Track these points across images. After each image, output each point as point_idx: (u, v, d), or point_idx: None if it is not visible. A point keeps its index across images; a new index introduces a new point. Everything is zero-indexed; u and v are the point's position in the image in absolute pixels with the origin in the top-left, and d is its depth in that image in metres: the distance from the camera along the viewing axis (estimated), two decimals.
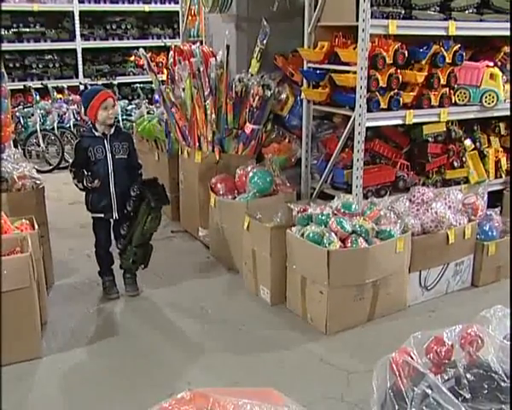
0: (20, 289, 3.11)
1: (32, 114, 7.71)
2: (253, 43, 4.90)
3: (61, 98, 8.29)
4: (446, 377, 2.04)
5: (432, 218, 3.85)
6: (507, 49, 4.81)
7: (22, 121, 7.81)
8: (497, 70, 4.62)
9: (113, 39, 9.67)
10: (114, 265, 4.07)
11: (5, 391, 2.86)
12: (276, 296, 3.86)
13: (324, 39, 4.33)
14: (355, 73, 3.96)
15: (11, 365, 3.12)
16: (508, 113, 4.74)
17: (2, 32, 8.60)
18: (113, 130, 3.84)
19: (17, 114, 7.80)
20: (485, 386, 2.00)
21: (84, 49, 9.39)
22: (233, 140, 4.80)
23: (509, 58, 4.82)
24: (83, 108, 5.37)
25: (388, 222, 3.71)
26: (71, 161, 4.06)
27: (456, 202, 4.08)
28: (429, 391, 1.92)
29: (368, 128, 4.09)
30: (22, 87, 8.50)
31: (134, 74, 9.88)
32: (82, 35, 9.31)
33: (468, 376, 2.02)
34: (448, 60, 4.31)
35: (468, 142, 4.89)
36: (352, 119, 4.06)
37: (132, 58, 9.92)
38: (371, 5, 3.85)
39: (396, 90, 4.13)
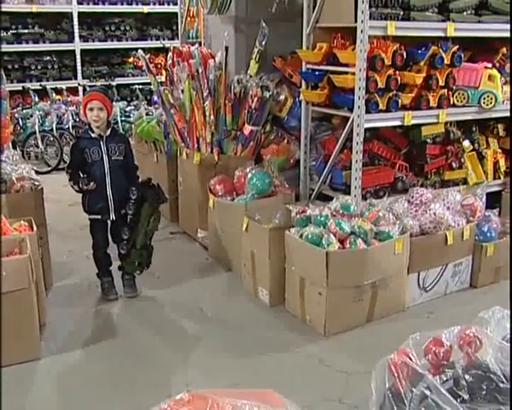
0: (19, 290, 3.10)
1: (31, 116, 7.71)
2: (252, 45, 4.90)
3: (59, 99, 8.29)
4: (445, 378, 2.04)
5: (430, 219, 3.86)
6: (505, 50, 4.82)
7: (21, 122, 7.81)
8: (495, 71, 4.62)
9: (112, 41, 9.68)
10: (113, 266, 4.07)
11: (4, 392, 2.84)
12: (275, 298, 3.86)
13: (323, 40, 4.33)
14: (353, 74, 3.97)
15: (10, 366, 3.11)
16: (506, 114, 4.75)
17: (1, 33, 8.59)
18: (109, 131, 3.84)
19: (16, 115, 7.81)
20: (484, 387, 2.00)
21: (82, 51, 9.39)
22: (232, 141, 4.81)
23: (508, 59, 4.82)
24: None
25: (387, 223, 3.71)
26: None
27: (455, 203, 4.08)
28: (428, 392, 1.92)
29: (366, 129, 4.10)
30: (21, 88, 8.51)
31: (133, 76, 9.89)
32: (81, 36, 9.32)
33: (467, 377, 2.02)
34: (446, 61, 4.31)
35: (466, 143, 4.89)
36: (350, 120, 4.06)
37: (131, 59, 9.93)
38: (370, 6, 3.85)
39: (394, 92, 4.14)
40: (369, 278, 3.53)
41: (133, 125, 6.39)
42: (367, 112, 4.01)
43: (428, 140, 4.67)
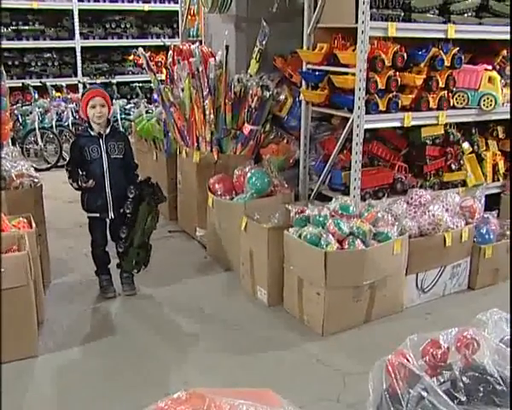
0: (17, 287, 3.10)
1: (31, 112, 7.70)
2: (253, 44, 4.90)
3: (59, 97, 8.29)
4: (442, 380, 2.04)
5: (429, 220, 3.86)
6: (505, 52, 4.82)
7: (21, 119, 7.80)
8: (495, 74, 4.63)
9: (113, 38, 9.66)
10: (111, 264, 4.07)
11: (2, 390, 2.86)
12: (273, 297, 3.86)
13: (323, 41, 4.34)
14: (354, 74, 3.97)
15: (7, 363, 3.11)
16: (506, 116, 4.75)
17: (2, 30, 8.58)
18: (108, 129, 3.84)
19: (15, 111, 7.79)
20: (481, 389, 2.01)
21: (83, 48, 9.37)
22: (231, 140, 4.81)
23: (508, 62, 4.83)
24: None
25: (386, 224, 3.71)
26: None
27: (454, 205, 4.09)
28: (425, 394, 1.92)
29: (366, 130, 4.10)
30: (21, 85, 8.48)
31: (133, 73, 9.88)
32: (81, 33, 9.30)
33: (464, 379, 2.02)
34: (447, 63, 4.32)
35: (465, 145, 4.89)
36: (350, 120, 4.06)
37: (131, 57, 9.92)
38: (371, 7, 3.86)
39: (395, 93, 4.14)
40: (368, 278, 3.54)
41: (133, 123, 6.39)
42: (367, 113, 4.02)
43: (428, 142, 4.67)
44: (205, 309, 3.86)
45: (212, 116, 4.72)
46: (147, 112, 6.65)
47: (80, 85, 8.81)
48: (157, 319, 3.75)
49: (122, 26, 9.73)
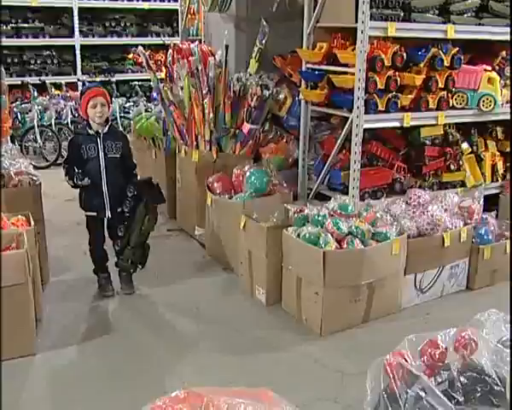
0: (16, 285, 3.10)
1: (30, 110, 7.70)
2: (252, 43, 4.90)
3: (58, 94, 8.28)
4: (440, 380, 2.05)
5: (428, 220, 3.86)
6: (505, 53, 4.82)
7: (20, 117, 7.79)
8: (494, 74, 4.63)
9: (112, 36, 9.67)
10: (110, 263, 4.06)
11: None
12: (272, 297, 3.86)
13: (323, 40, 4.34)
14: (353, 74, 3.97)
15: (4, 361, 3.11)
16: (505, 117, 4.76)
17: (1, 27, 8.57)
18: (107, 128, 3.83)
19: (15, 109, 7.79)
20: (479, 389, 2.01)
21: (82, 46, 9.38)
22: (230, 139, 4.81)
23: (507, 62, 4.83)
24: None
25: (384, 224, 3.71)
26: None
27: (453, 206, 4.09)
28: (423, 394, 1.93)
29: (365, 130, 4.10)
30: (20, 83, 8.49)
31: (132, 72, 9.89)
32: (81, 31, 9.31)
33: (462, 379, 2.03)
34: (446, 63, 4.32)
35: (465, 145, 4.90)
36: (349, 120, 4.06)
37: (131, 56, 9.91)
38: (370, 7, 3.86)
39: (394, 93, 4.14)
40: (366, 278, 3.53)
41: (132, 122, 6.38)
42: (366, 112, 4.02)
43: (427, 142, 4.68)
44: (203, 308, 3.86)
45: (211, 115, 4.71)
46: (146, 110, 6.64)
47: (79, 83, 8.81)
48: (155, 318, 3.75)
49: (122, 24, 9.74)
